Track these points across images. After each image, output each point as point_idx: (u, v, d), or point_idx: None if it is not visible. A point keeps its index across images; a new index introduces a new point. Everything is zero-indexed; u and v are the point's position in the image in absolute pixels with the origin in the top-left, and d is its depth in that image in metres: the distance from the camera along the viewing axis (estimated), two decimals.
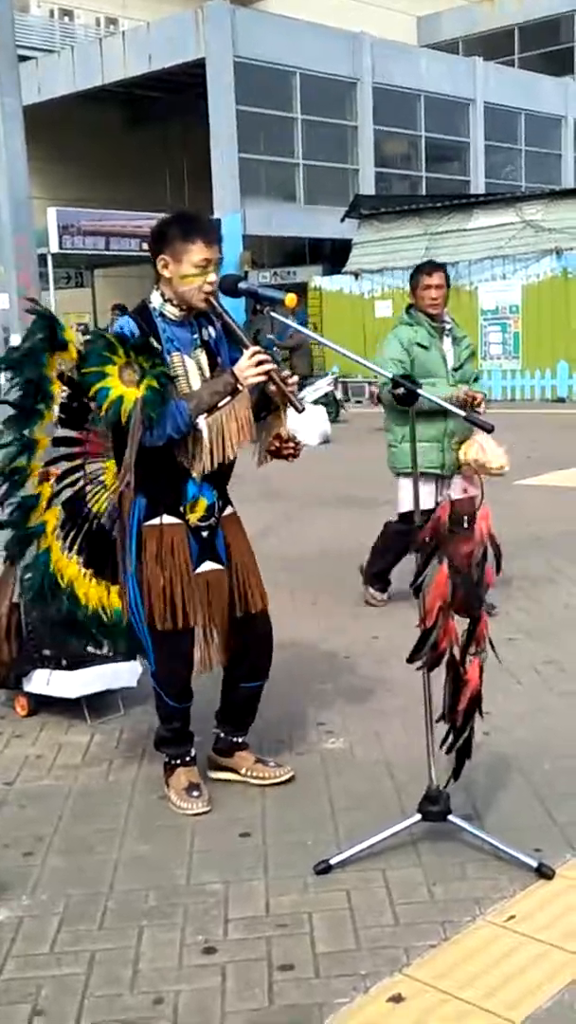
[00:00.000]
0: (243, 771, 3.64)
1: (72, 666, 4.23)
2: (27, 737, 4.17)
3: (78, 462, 3.70)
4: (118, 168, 28.12)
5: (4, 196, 4.67)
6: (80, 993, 2.53)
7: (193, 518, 3.34)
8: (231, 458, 3.30)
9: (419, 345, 5.51)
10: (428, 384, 5.26)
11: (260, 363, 3.20)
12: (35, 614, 4.35)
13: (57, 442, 3.68)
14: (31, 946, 2.74)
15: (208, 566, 3.39)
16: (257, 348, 3.25)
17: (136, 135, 29.44)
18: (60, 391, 3.54)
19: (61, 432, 3.67)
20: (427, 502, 5.25)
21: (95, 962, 2.65)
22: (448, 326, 5.68)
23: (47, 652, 4.29)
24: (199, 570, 3.37)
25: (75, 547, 3.65)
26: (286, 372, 3.30)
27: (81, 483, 3.66)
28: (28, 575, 3.69)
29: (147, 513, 3.33)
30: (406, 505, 5.41)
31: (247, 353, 3.24)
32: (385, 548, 5.84)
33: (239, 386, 3.22)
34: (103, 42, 27.25)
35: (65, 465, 3.69)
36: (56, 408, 3.56)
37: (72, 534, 3.66)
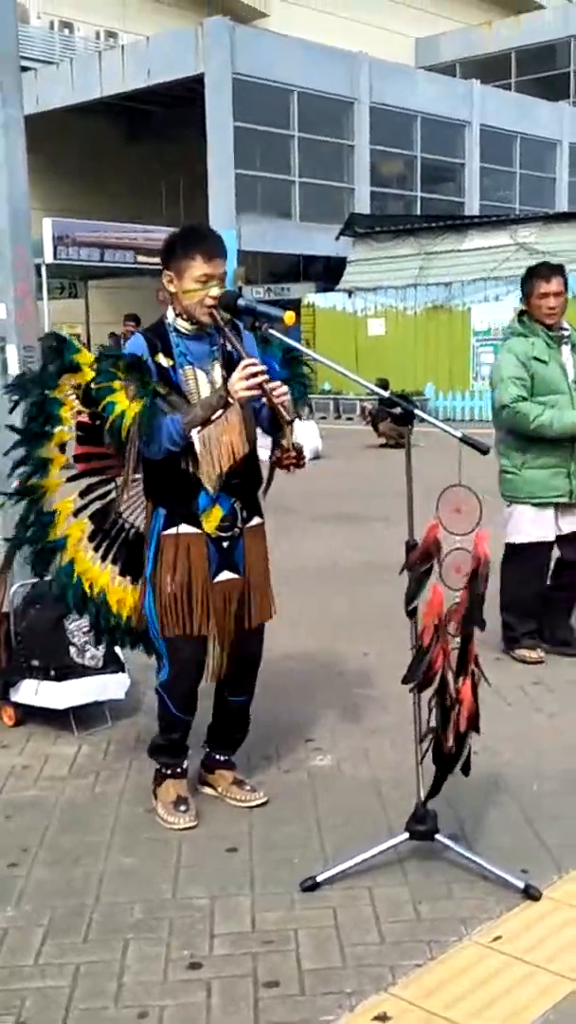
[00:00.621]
0: (219, 789, 3.65)
1: (60, 677, 4.22)
2: (14, 748, 4.15)
3: (107, 476, 3.67)
4: (114, 181, 28.22)
5: (4, 206, 4.66)
6: (64, 1006, 2.52)
7: (209, 527, 3.34)
8: (225, 470, 3.27)
9: (537, 359, 4.90)
10: (549, 404, 4.86)
11: (252, 376, 3.21)
12: (24, 624, 4.35)
13: (80, 459, 3.67)
14: (15, 958, 2.73)
15: (225, 575, 3.40)
16: (250, 360, 3.24)
17: (133, 149, 29.55)
18: (73, 411, 3.53)
19: (83, 449, 3.64)
20: (547, 533, 4.99)
21: (80, 975, 2.64)
22: (567, 333, 5.02)
23: (36, 663, 4.27)
24: (217, 579, 3.38)
25: (109, 557, 3.64)
26: (276, 383, 3.27)
27: (113, 495, 3.64)
28: (55, 587, 3.68)
29: (166, 523, 3.36)
30: (518, 536, 5.01)
31: (240, 365, 3.25)
32: (515, 593, 5.10)
33: (230, 399, 3.23)
34: (102, 55, 27.38)
35: (87, 481, 3.67)
36: (71, 427, 3.56)
37: (107, 544, 3.65)
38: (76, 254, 22.96)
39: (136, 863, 3.21)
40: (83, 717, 4.28)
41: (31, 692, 4.25)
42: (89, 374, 3.41)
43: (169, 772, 3.55)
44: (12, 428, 3.58)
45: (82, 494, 3.64)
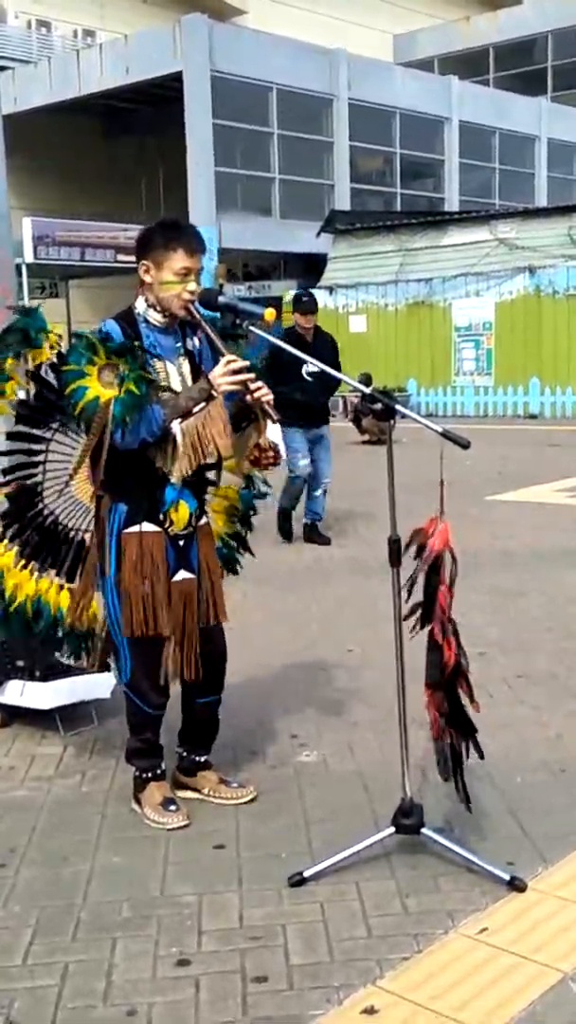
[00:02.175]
0: (206, 791, 3.63)
1: (46, 677, 4.22)
2: (0, 749, 4.15)
3: (38, 458, 3.81)
4: (94, 180, 28.15)
5: None
6: (53, 1005, 2.52)
7: (178, 523, 3.34)
8: (208, 462, 3.30)
9: None
10: None
11: (235, 372, 3.22)
12: None
13: (14, 436, 3.75)
14: (4, 958, 2.72)
15: (183, 575, 3.41)
16: (233, 357, 3.26)
17: (112, 147, 29.48)
18: (15, 387, 3.62)
19: (19, 428, 3.76)
20: None
21: (68, 974, 2.65)
22: None
23: (20, 663, 4.27)
24: (175, 579, 3.39)
25: (16, 539, 3.79)
26: (259, 383, 3.29)
27: (38, 477, 3.76)
28: None
29: (126, 520, 3.34)
30: None
31: (223, 361, 3.26)
32: None
33: (213, 392, 3.24)
34: (80, 54, 27.29)
35: (20, 459, 3.82)
36: (12, 404, 3.65)
37: (17, 526, 3.78)
38: (56, 253, 22.91)
39: (124, 862, 3.22)
40: (69, 717, 4.28)
41: (16, 693, 4.25)
42: (47, 355, 3.47)
43: (149, 776, 3.53)
44: None
45: (5, 472, 3.77)
